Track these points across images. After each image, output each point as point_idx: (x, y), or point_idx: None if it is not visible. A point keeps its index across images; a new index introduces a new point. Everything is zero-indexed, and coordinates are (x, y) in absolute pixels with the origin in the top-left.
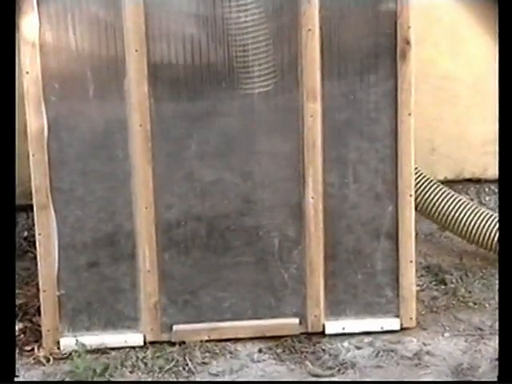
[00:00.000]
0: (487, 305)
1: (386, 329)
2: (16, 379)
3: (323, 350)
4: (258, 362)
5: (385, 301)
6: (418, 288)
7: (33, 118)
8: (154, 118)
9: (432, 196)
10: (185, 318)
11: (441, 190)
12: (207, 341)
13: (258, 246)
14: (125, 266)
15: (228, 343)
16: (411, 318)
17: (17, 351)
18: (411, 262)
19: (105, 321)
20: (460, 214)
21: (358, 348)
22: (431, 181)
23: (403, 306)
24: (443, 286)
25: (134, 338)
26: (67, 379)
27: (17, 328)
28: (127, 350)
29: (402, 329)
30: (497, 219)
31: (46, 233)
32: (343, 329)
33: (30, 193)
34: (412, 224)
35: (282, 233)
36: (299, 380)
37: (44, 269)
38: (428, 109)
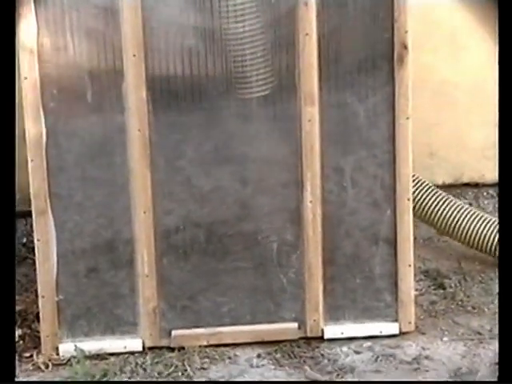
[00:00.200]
0: (486, 309)
1: (384, 333)
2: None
3: (322, 354)
4: (257, 367)
5: (383, 305)
6: (417, 292)
7: (31, 123)
8: (152, 124)
9: (429, 201)
10: (184, 323)
11: (438, 194)
12: (206, 346)
13: (257, 251)
14: (124, 272)
15: (227, 348)
16: (410, 323)
17: (16, 357)
18: (410, 266)
19: (104, 326)
20: (458, 218)
21: (357, 352)
22: (428, 185)
23: (402, 311)
24: (442, 291)
25: (133, 344)
26: None
27: (16, 334)
28: (126, 355)
29: (401, 333)
30: (495, 223)
31: (45, 238)
32: (342, 333)
33: (29, 199)
34: (410, 228)
35: (280, 237)
36: None
37: (43, 274)
38: (427, 113)
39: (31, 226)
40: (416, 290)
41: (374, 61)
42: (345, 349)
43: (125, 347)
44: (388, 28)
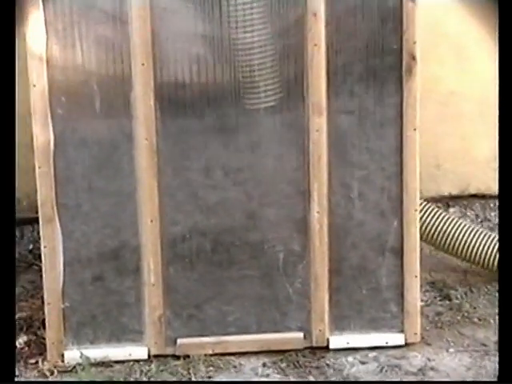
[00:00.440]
0: (492, 320)
1: (390, 344)
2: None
3: (327, 364)
4: (262, 376)
5: (389, 316)
6: (423, 303)
7: (39, 130)
8: (160, 133)
9: (429, 219)
10: (189, 331)
11: (436, 212)
12: (211, 355)
13: (263, 261)
14: (130, 280)
15: (232, 357)
16: (416, 334)
17: (21, 364)
18: (416, 277)
19: (109, 334)
20: (459, 235)
21: (363, 363)
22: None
23: (408, 322)
24: (448, 302)
25: (139, 352)
26: None
27: (21, 341)
28: (131, 363)
29: (407, 344)
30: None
31: (52, 245)
32: (348, 343)
33: (36, 206)
34: (417, 239)
35: (286, 247)
36: None
37: (49, 281)
38: (433, 125)
39: (38, 233)
40: (422, 300)
41: (383, 72)
42: (350, 359)
43: (130, 355)
44: (396, 39)
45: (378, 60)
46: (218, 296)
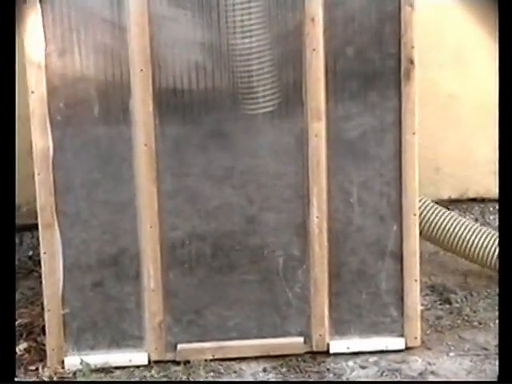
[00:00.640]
0: (492, 324)
1: (390, 348)
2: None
3: (328, 369)
4: (263, 381)
5: (389, 320)
6: (423, 307)
7: (38, 136)
8: (159, 138)
9: (433, 218)
10: (189, 336)
11: (440, 211)
12: (212, 360)
13: (263, 266)
14: (129, 286)
15: (233, 362)
16: (416, 338)
17: (21, 370)
18: (416, 281)
19: (109, 340)
20: (462, 233)
21: (363, 367)
22: (429, 203)
23: (408, 326)
24: (448, 306)
25: (139, 357)
26: None
27: (21, 347)
28: (132, 369)
29: (407, 348)
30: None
31: (51, 251)
32: (348, 348)
33: (36, 212)
34: (416, 243)
35: (286, 252)
36: None
37: (49, 288)
38: (433, 129)
39: (37, 239)
40: (422, 304)
41: (381, 76)
42: (350, 363)
43: (130, 361)
44: (395, 43)
45: (376, 65)
46: (218, 301)
